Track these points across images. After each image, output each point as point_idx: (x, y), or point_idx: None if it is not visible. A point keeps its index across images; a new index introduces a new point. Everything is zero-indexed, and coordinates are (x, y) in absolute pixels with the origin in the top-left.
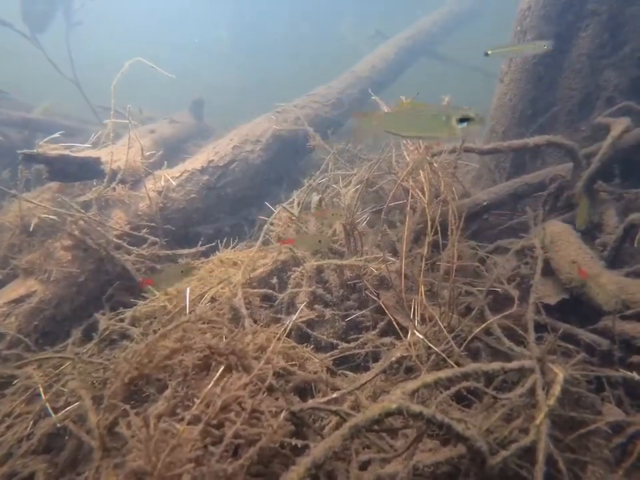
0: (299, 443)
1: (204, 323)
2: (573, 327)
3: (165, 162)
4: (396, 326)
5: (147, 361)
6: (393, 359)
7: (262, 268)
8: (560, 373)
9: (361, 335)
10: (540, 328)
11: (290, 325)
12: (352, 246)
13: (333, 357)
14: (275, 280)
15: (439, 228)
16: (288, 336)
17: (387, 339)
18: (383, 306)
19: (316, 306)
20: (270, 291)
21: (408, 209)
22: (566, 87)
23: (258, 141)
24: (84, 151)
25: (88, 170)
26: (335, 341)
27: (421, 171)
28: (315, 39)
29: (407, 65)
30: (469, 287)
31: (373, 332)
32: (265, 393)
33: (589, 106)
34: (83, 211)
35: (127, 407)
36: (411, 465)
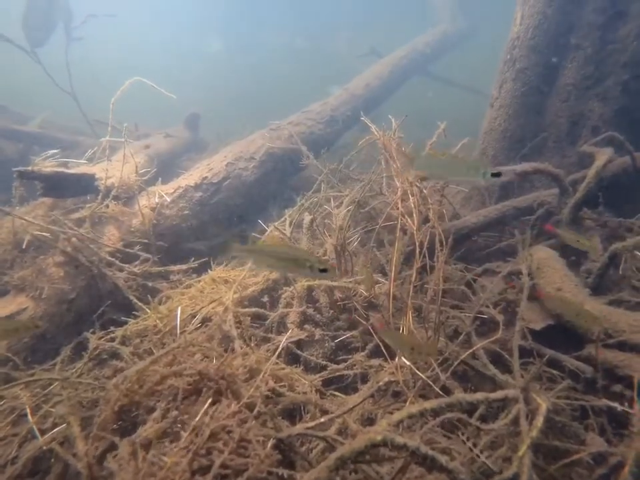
0: (286, 473)
1: (194, 347)
2: (558, 354)
3: (160, 178)
4: (383, 349)
5: (137, 387)
6: (380, 383)
7: (253, 287)
8: (543, 404)
9: (349, 356)
10: (526, 353)
11: (281, 346)
12: (342, 267)
13: (322, 378)
14: (266, 299)
15: (426, 252)
16: (278, 356)
17: (375, 361)
18: (370, 329)
19: (306, 326)
20: (261, 310)
21: (398, 233)
22: (554, 114)
23: (252, 158)
24: (79, 166)
25: (82, 186)
26: (324, 362)
27: (410, 196)
28: (311, 53)
29: (400, 83)
30: (456, 311)
31: (362, 353)
32: (254, 421)
33: (576, 133)
34: (75, 228)
35: (116, 439)
36: None
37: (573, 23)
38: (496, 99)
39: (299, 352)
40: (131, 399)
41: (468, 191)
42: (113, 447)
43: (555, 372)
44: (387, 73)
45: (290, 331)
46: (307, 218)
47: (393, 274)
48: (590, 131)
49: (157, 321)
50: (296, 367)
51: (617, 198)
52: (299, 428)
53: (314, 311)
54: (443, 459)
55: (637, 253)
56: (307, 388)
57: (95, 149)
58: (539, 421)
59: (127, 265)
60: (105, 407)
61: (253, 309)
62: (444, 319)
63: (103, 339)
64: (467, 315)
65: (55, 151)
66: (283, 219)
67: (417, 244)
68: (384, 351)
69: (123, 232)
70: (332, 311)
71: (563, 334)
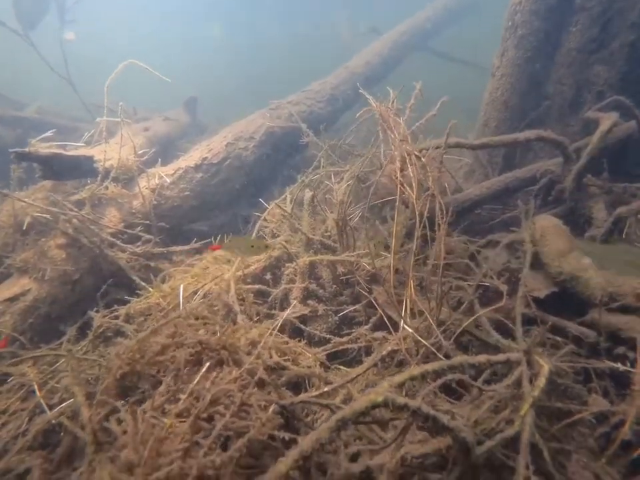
0: (287, 435)
1: (196, 319)
2: (561, 320)
3: (159, 159)
4: (387, 321)
5: (139, 356)
6: (384, 353)
7: (255, 264)
8: (545, 365)
9: (353, 330)
10: (530, 321)
11: (283, 319)
12: (344, 242)
13: (326, 352)
14: (268, 276)
15: (426, 223)
16: (282, 332)
17: (379, 334)
18: (373, 301)
19: (309, 301)
20: (264, 287)
21: (398, 203)
22: (557, 82)
23: (251, 138)
24: (77, 149)
25: (81, 168)
26: (327, 336)
27: (409, 166)
28: (311, 35)
29: (400, 59)
30: (460, 282)
31: (366, 327)
32: (256, 388)
33: (580, 100)
34: (76, 209)
35: (118, 403)
36: (399, 455)
37: None
38: (497, 68)
39: (302, 326)
40: (132, 367)
41: (470, 165)
42: (115, 413)
43: (559, 338)
44: (386, 50)
45: (292, 306)
46: (308, 194)
47: (394, 245)
48: (595, 97)
49: (160, 299)
50: (300, 342)
51: (623, 164)
52: (302, 396)
53: (317, 286)
54: (445, 418)
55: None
56: (311, 362)
57: (93, 132)
58: (541, 381)
59: (129, 246)
60: (107, 374)
61: (256, 286)
62: (447, 290)
63: (106, 317)
64: (470, 285)
65: (51, 132)
66: (283, 197)
67: (417, 213)
68: (388, 323)
69: (124, 214)
70: (335, 286)
71: (567, 301)
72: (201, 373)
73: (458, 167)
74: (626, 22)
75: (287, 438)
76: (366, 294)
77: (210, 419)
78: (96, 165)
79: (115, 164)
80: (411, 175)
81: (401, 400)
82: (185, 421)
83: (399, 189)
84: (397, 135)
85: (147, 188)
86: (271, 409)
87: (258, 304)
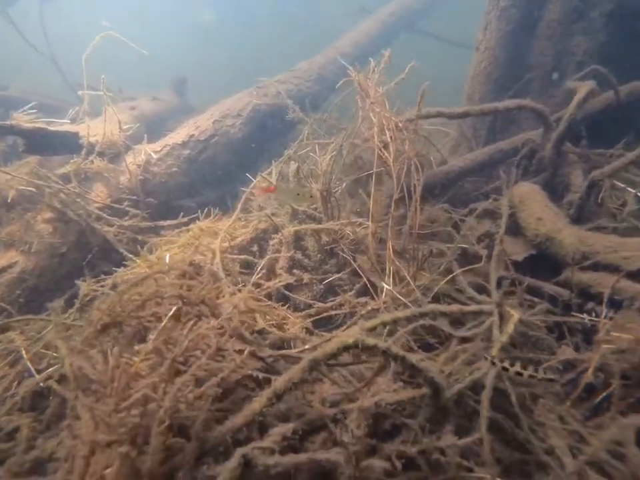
0: (261, 375)
1: (181, 277)
2: (537, 281)
3: (145, 136)
4: (370, 287)
5: (120, 309)
6: (364, 312)
7: (242, 236)
8: (515, 314)
9: (334, 296)
10: (509, 283)
11: (269, 288)
12: (329, 212)
13: (310, 317)
14: (255, 248)
15: (405, 188)
16: (268, 299)
17: (362, 299)
18: (357, 268)
19: (295, 271)
20: (250, 257)
21: (375, 166)
22: (539, 54)
23: (239, 115)
24: (62, 125)
25: (66, 144)
26: (312, 302)
27: (387, 131)
28: (303, 16)
29: (389, 39)
30: (439, 244)
31: (350, 293)
32: (234, 338)
33: (562, 71)
34: (62, 183)
35: (94, 351)
36: (369, 395)
37: None
38: (481, 42)
39: (287, 293)
40: (113, 319)
41: (456, 139)
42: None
43: (535, 299)
44: (375, 30)
45: (279, 276)
46: (293, 166)
47: (371, 212)
48: (575, 68)
49: (147, 269)
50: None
51: (603, 133)
52: (282, 351)
53: (302, 256)
54: (414, 359)
55: (615, 181)
56: (297, 328)
57: (78, 109)
58: (510, 328)
59: (115, 219)
60: (88, 326)
61: (242, 256)
62: (427, 254)
63: (94, 287)
64: (449, 249)
65: (33, 104)
66: (269, 170)
67: (394, 176)
68: (371, 290)
69: (111, 189)
70: (320, 255)
71: (545, 263)
72: (167, 321)
73: (445, 141)
74: None
75: (260, 377)
76: (351, 261)
77: (186, 364)
78: (81, 141)
79: (100, 139)
80: (388, 140)
81: (371, 341)
82: (157, 360)
83: (376, 153)
84: (372, 101)
85: (133, 164)
86: (245, 352)
87: (244, 274)
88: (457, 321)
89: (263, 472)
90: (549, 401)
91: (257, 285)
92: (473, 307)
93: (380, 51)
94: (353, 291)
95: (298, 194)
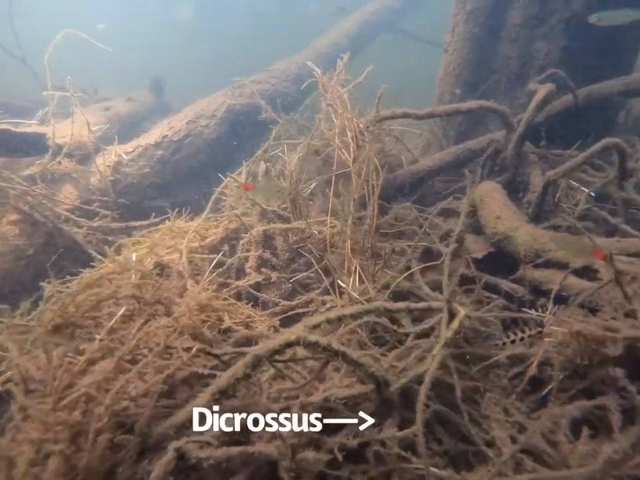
0: (207, 371)
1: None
2: (496, 278)
3: (116, 137)
4: (331, 286)
5: (73, 310)
6: (322, 310)
7: (213, 236)
8: (462, 310)
9: (304, 295)
10: (470, 281)
11: (238, 287)
12: (297, 212)
13: (277, 316)
14: (225, 247)
15: (367, 193)
16: (238, 299)
17: (328, 297)
18: (318, 268)
19: (263, 269)
20: (219, 257)
21: (335, 166)
22: (504, 56)
23: (213, 116)
24: (30, 127)
25: (33, 145)
26: (279, 300)
27: (348, 132)
28: (283, 15)
29: (368, 40)
30: (401, 243)
31: (317, 291)
32: (186, 336)
33: (525, 74)
34: (26, 184)
35: (39, 351)
36: (322, 395)
37: None
38: (449, 44)
39: (254, 292)
40: (65, 319)
41: (428, 139)
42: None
43: (494, 296)
44: (354, 30)
45: (248, 275)
46: (262, 166)
47: (329, 211)
48: (537, 71)
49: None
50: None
51: (564, 134)
52: (236, 349)
53: (271, 255)
54: (355, 354)
55: (572, 181)
56: (264, 327)
57: (47, 110)
58: (455, 324)
59: (83, 220)
60: (38, 327)
61: (212, 256)
62: (389, 252)
63: (59, 288)
64: (409, 246)
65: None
66: (239, 170)
67: (354, 175)
68: (335, 288)
69: (81, 190)
70: (288, 254)
71: (504, 260)
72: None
73: (418, 141)
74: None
75: (206, 373)
76: (312, 260)
77: (134, 362)
78: (49, 142)
79: (68, 140)
80: (349, 140)
81: (312, 338)
82: (105, 360)
83: (336, 153)
84: (329, 102)
85: (104, 165)
86: (193, 350)
87: (214, 273)
88: (420, 318)
89: (207, 467)
90: (496, 394)
91: (225, 285)
92: (421, 304)
93: (360, 51)
94: (320, 290)
95: (278, 191)
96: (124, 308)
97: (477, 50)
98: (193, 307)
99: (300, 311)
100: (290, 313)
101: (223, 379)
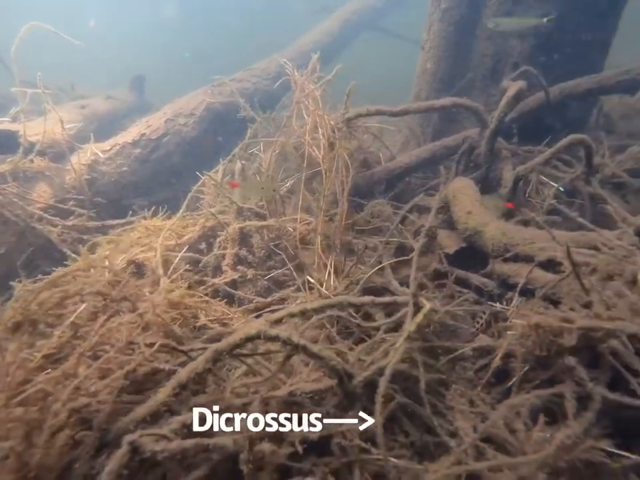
0: (168, 367)
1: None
2: (467, 273)
3: (91, 135)
4: (299, 285)
5: (36, 307)
6: (294, 305)
7: (190, 234)
8: (427, 304)
9: (279, 292)
10: (442, 275)
11: (214, 285)
12: (273, 209)
13: (251, 313)
14: (203, 245)
15: (338, 190)
16: (215, 297)
17: (301, 294)
18: (289, 264)
19: (239, 267)
20: (195, 255)
21: (305, 163)
22: (479, 54)
23: (192, 114)
24: (2, 123)
25: (5, 143)
26: (253, 297)
27: (319, 129)
28: (268, 12)
29: (351, 39)
30: (374, 239)
31: (292, 288)
32: (150, 332)
33: (499, 71)
34: None
35: None
36: (288, 389)
37: None
38: (426, 41)
39: (228, 289)
40: (27, 317)
41: (406, 136)
42: None
43: (465, 290)
44: (336, 28)
45: (225, 272)
46: (238, 165)
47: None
48: (511, 69)
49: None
50: (232, 306)
51: (536, 131)
52: (205, 345)
53: (247, 252)
54: (315, 348)
55: (542, 177)
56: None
57: (21, 107)
58: (419, 318)
59: (57, 219)
60: None
61: (188, 254)
62: (362, 248)
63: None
64: (391, 247)
65: None
66: (216, 169)
67: (324, 173)
68: (306, 284)
69: (55, 189)
70: (264, 252)
71: (476, 255)
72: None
73: (397, 138)
74: None
75: (167, 369)
76: (284, 257)
77: (96, 358)
78: (21, 140)
79: (41, 137)
80: (321, 137)
81: (273, 332)
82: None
83: (306, 151)
84: (297, 100)
85: (79, 163)
86: (156, 346)
87: (191, 272)
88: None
89: (170, 461)
90: (461, 386)
91: (202, 282)
92: (386, 299)
93: (342, 49)
94: (295, 287)
95: (262, 187)
96: (85, 304)
97: (452, 48)
98: (159, 304)
99: (275, 307)
100: (265, 310)
101: (183, 373)
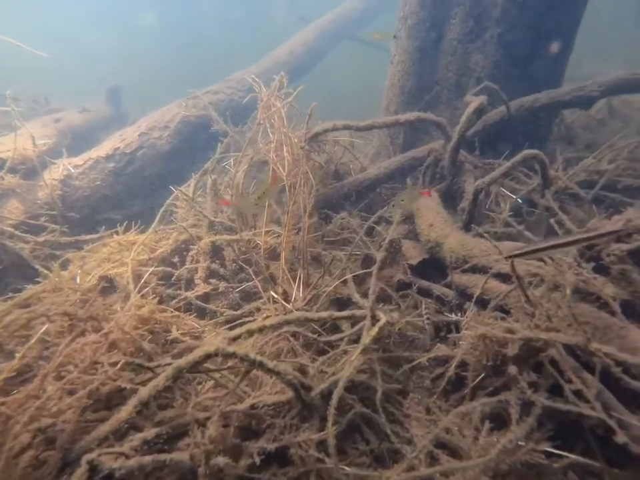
0: (129, 386)
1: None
2: (430, 283)
3: (64, 150)
4: (264, 297)
5: (1, 330)
6: (259, 319)
7: (163, 248)
8: (383, 317)
9: (251, 304)
10: (407, 286)
11: (186, 298)
12: (243, 222)
13: (220, 326)
14: (177, 259)
15: (302, 205)
16: (189, 310)
17: (272, 306)
18: (255, 279)
19: (211, 280)
20: (169, 269)
21: (270, 177)
22: (444, 68)
23: (166, 127)
24: None
25: None
26: (224, 310)
27: (284, 146)
28: (249, 22)
29: (328, 49)
30: (339, 252)
31: (262, 300)
32: (115, 350)
33: (463, 85)
34: None
35: None
36: (249, 403)
37: None
38: (394, 56)
39: (199, 303)
40: None
41: (377, 147)
42: None
43: (428, 300)
44: (313, 39)
45: (197, 285)
46: (209, 180)
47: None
48: (475, 83)
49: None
50: (204, 319)
51: (496, 142)
52: (168, 360)
53: (219, 265)
54: (271, 364)
55: (502, 189)
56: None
57: None
58: (374, 331)
59: (28, 235)
60: None
61: (160, 268)
62: (329, 261)
63: None
64: (359, 258)
65: None
66: (188, 183)
67: (287, 188)
68: (274, 295)
69: (27, 205)
70: (234, 265)
71: (439, 266)
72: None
73: (368, 149)
74: (492, 17)
75: (128, 387)
76: (250, 272)
77: (60, 379)
78: None
79: (11, 155)
80: (285, 154)
81: (230, 349)
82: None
83: (271, 168)
84: (260, 122)
85: (52, 179)
86: (119, 364)
87: (164, 285)
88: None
89: (133, 478)
90: (418, 394)
91: (175, 296)
92: (345, 313)
93: (318, 60)
94: (264, 299)
95: (256, 203)
96: (46, 326)
97: (418, 63)
98: (127, 322)
99: (246, 319)
100: (236, 322)
101: (145, 391)
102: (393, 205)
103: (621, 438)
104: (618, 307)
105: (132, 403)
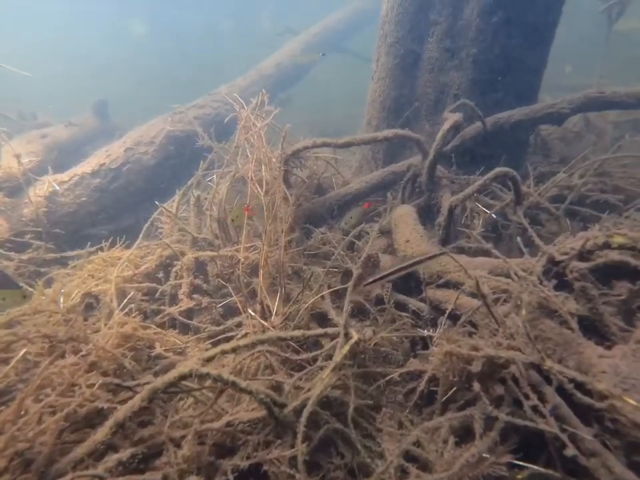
0: (107, 405)
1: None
2: (406, 298)
3: (49, 167)
4: (244, 312)
5: None
6: (239, 335)
7: (147, 264)
8: (355, 335)
9: (234, 318)
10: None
11: (169, 314)
12: (225, 238)
13: (204, 341)
14: (161, 274)
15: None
16: (172, 327)
17: (255, 321)
18: (234, 296)
19: (195, 295)
20: (153, 285)
21: (249, 196)
22: (423, 85)
23: (152, 142)
24: None
25: None
26: (206, 326)
27: (262, 165)
28: (237, 34)
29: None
30: (317, 267)
31: (245, 314)
32: (94, 371)
33: (442, 102)
34: None
35: None
36: (225, 420)
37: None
38: (375, 72)
39: (182, 319)
40: None
41: (360, 161)
42: None
43: (405, 314)
44: (299, 51)
45: (181, 301)
46: (193, 196)
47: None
48: (452, 100)
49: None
50: (187, 334)
51: (474, 158)
52: (152, 379)
53: (202, 281)
54: (244, 383)
55: (477, 204)
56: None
57: None
58: (345, 349)
59: (12, 253)
60: None
61: (144, 284)
62: (309, 276)
63: None
64: (339, 272)
65: None
66: (172, 199)
67: (265, 207)
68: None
69: (12, 222)
70: (217, 280)
71: (417, 281)
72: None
73: (352, 164)
74: (467, 37)
75: (105, 407)
76: (228, 287)
77: (38, 401)
78: None
79: None
80: (264, 173)
81: (204, 370)
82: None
83: (249, 186)
84: (237, 144)
85: (37, 195)
86: (96, 386)
87: (148, 301)
88: None
89: None
90: (391, 409)
91: (159, 311)
92: (318, 331)
93: (305, 72)
94: (246, 314)
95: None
96: (25, 351)
97: (398, 79)
98: (106, 343)
99: (229, 335)
100: (219, 336)
101: (121, 412)
102: (345, 223)
103: (570, 451)
104: (575, 324)
105: (108, 424)
